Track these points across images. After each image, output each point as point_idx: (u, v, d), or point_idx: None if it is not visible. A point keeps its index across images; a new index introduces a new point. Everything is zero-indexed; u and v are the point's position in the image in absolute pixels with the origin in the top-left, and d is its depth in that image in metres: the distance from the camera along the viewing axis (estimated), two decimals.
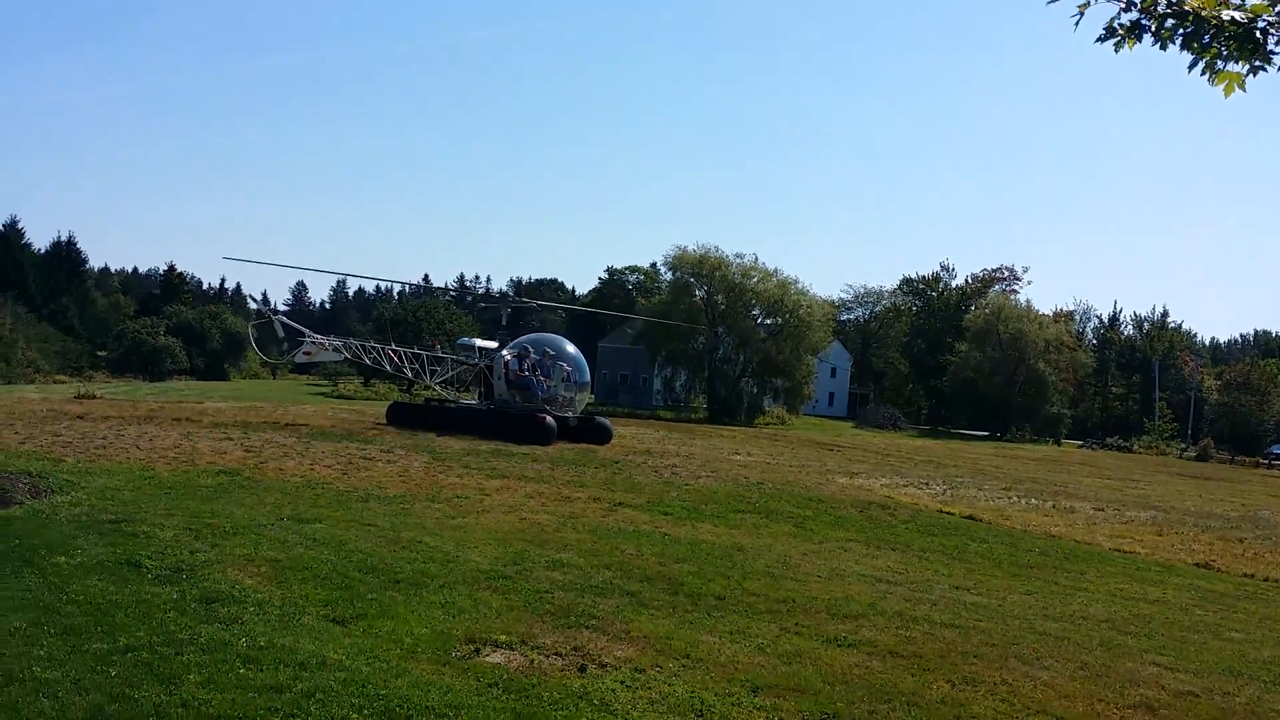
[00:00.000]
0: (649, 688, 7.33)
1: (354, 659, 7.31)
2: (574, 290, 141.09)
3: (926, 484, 28.39)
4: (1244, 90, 4.79)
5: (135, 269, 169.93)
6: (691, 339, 69.82)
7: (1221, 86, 4.78)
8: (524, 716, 6.48)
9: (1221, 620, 12.45)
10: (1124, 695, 8.27)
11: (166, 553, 10.36)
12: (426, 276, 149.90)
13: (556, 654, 8.01)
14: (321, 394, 66.16)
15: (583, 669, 7.66)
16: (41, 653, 6.84)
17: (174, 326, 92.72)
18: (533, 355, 30.31)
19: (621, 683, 7.39)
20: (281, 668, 6.94)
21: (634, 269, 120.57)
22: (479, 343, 32.39)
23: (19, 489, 13.28)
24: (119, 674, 6.54)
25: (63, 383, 62.41)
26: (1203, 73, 4.76)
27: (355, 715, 6.17)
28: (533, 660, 7.79)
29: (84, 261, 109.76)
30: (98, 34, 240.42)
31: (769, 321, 70.11)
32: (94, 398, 36.59)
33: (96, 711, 5.88)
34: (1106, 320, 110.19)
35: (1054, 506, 25.30)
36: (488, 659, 7.72)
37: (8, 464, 14.99)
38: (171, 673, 6.64)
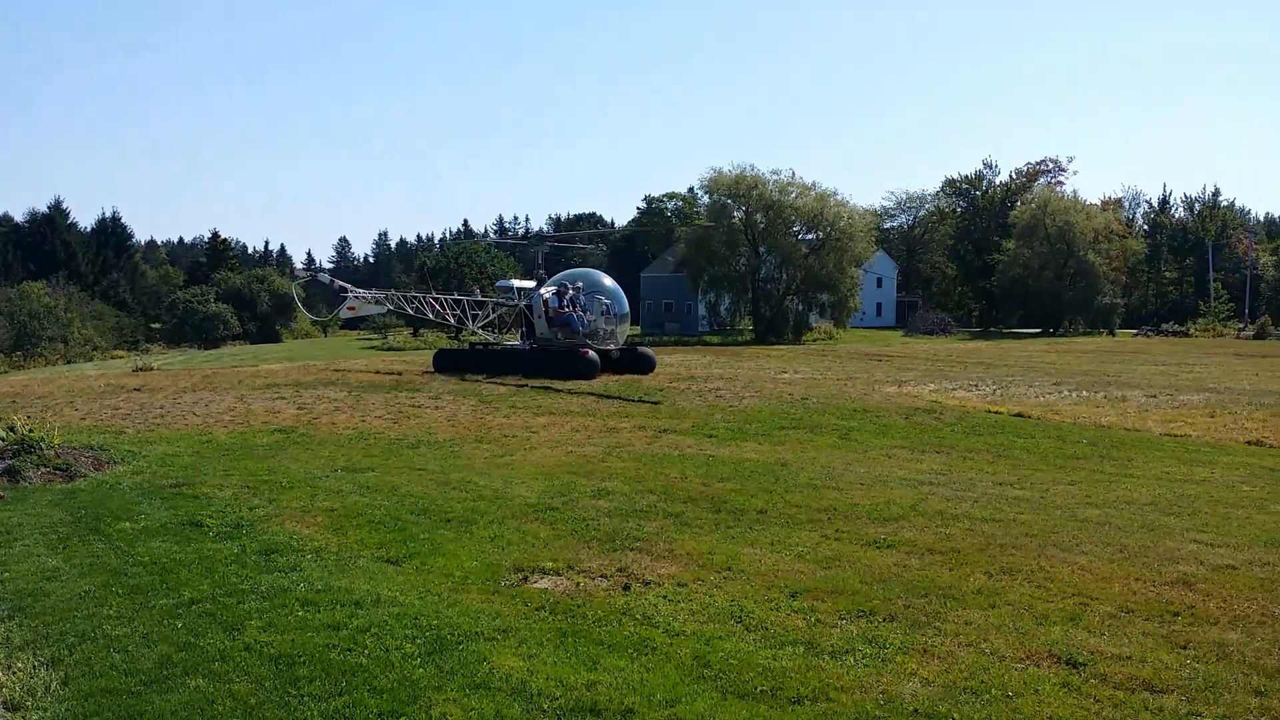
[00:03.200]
0: (690, 600, 7.59)
1: (406, 594, 7.64)
2: (613, 222, 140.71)
3: (976, 386, 28.32)
4: None
5: (180, 239, 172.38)
6: (733, 261, 69.64)
7: None
8: (569, 634, 6.76)
9: (1268, 495, 12.44)
10: (1161, 573, 8.39)
11: (226, 511, 10.76)
12: (466, 221, 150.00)
13: (602, 576, 8.29)
14: (372, 347, 67.02)
15: (627, 588, 7.93)
16: (111, 611, 7.23)
17: (223, 293, 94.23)
18: (570, 291, 30.49)
19: (664, 597, 7.65)
20: (338, 608, 7.28)
21: (672, 195, 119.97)
22: (516, 283, 32.62)
23: (83, 463, 13.76)
24: (185, 625, 6.91)
25: (120, 357, 63.85)
26: None
27: (408, 645, 6.48)
28: (579, 584, 8.07)
29: (130, 236, 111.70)
30: (112, 8, 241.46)
31: (810, 236, 69.67)
32: (151, 369, 37.40)
33: (165, 661, 6.24)
34: (1156, 204, 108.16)
35: (1105, 397, 25.17)
36: (535, 585, 8.02)
37: (71, 440, 15.49)
38: (234, 620, 7.00)
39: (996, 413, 21.36)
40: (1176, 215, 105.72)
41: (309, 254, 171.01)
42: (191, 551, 8.98)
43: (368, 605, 7.34)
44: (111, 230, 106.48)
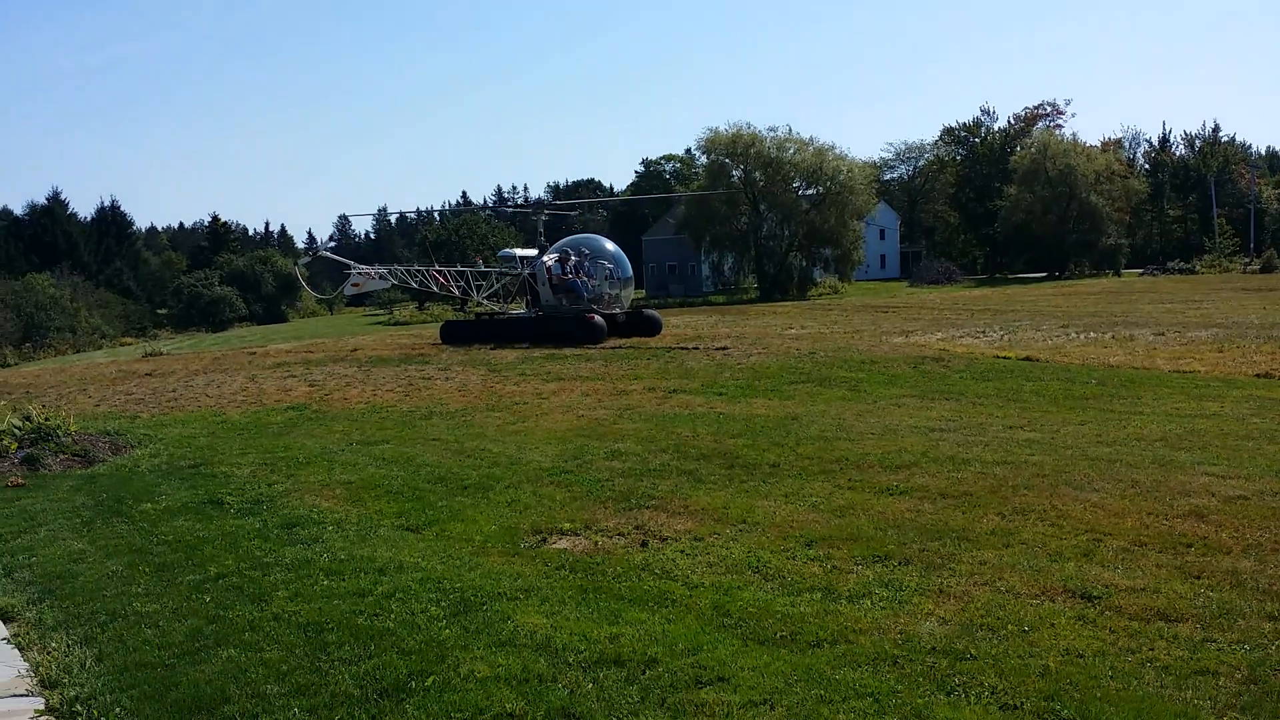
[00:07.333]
0: (708, 553, 7.69)
1: (429, 560, 7.75)
2: (611, 187, 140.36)
3: (983, 332, 28.35)
4: None
5: (181, 224, 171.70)
6: (734, 220, 69.41)
7: None
8: (589, 590, 6.87)
9: (1278, 426, 12.50)
10: (1173, 507, 8.46)
11: (245, 488, 10.89)
12: (465, 193, 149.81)
13: (619, 534, 8.39)
14: (379, 323, 67.19)
15: (644, 544, 8.03)
16: (139, 589, 7.35)
17: (227, 276, 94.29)
18: (573, 257, 30.50)
19: (681, 552, 7.75)
20: (362, 575, 7.39)
21: (670, 158, 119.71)
22: (519, 252, 32.67)
23: (100, 448, 13.90)
24: (213, 599, 7.03)
25: (129, 344, 64.00)
26: None
27: (434, 608, 6.59)
28: (596, 542, 8.18)
29: (130, 224, 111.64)
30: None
31: (810, 192, 69.27)
32: (161, 355, 37.56)
33: (196, 633, 6.36)
34: (1157, 143, 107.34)
35: (1113, 337, 25.19)
36: (554, 546, 8.13)
37: (87, 426, 15.63)
38: (261, 592, 7.13)
39: (1005, 358, 21.40)
40: (1177, 153, 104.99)
41: (309, 233, 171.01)
42: (214, 528, 9.11)
43: (391, 572, 7.46)
44: (112, 219, 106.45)
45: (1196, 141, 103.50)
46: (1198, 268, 76.29)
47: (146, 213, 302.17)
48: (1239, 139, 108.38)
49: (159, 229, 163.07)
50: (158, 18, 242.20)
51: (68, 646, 6.25)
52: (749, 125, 69.23)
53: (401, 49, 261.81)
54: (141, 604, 7.01)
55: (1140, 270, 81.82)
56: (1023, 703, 4.90)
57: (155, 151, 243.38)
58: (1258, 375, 17.58)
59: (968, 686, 5.10)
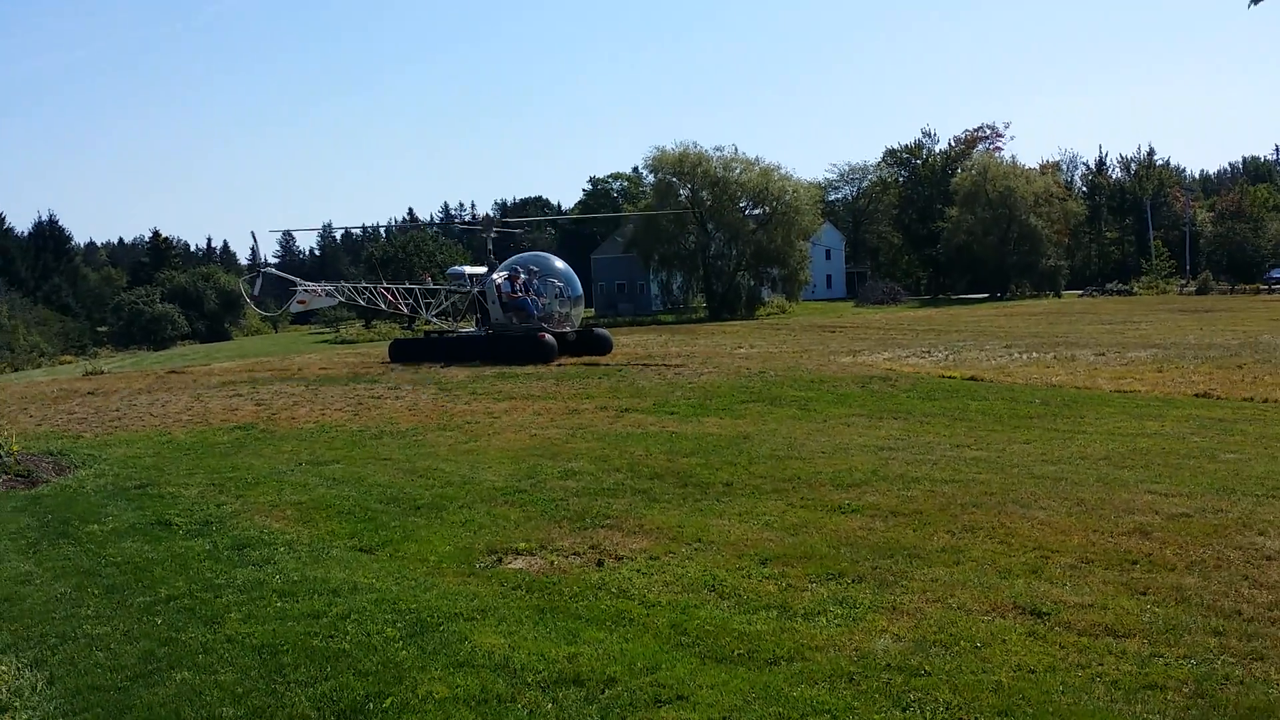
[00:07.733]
0: (664, 572, 7.73)
1: (383, 581, 7.72)
2: (559, 205, 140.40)
3: (929, 352, 28.73)
4: None
5: (120, 240, 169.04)
6: (682, 239, 69.70)
7: None
8: (547, 610, 6.88)
9: (1218, 444, 12.81)
10: (1118, 524, 8.66)
11: (194, 509, 10.75)
12: (411, 210, 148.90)
13: (575, 554, 8.41)
14: (325, 341, 66.50)
15: (600, 564, 8.06)
16: (89, 611, 7.25)
17: (169, 293, 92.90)
18: (523, 275, 30.48)
19: (638, 571, 7.79)
20: (316, 597, 7.34)
21: (617, 176, 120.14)
22: (468, 270, 32.62)
23: (43, 468, 13.64)
24: (164, 621, 6.95)
25: (69, 362, 62.78)
26: None
27: (389, 629, 6.57)
28: (552, 562, 8.19)
29: (69, 239, 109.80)
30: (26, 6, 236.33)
31: (757, 211, 69.83)
32: (102, 373, 36.88)
33: (148, 656, 6.28)
34: (1094, 166, 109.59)
35: (1055, 357, 25.66)
36: (510, 566, 8.12)
37: (30, 446, 15.30)
38: (213, 614, 7.05)
39: (950, 377, 21.72)
40: (1114, 176, 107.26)
41: (253, 249, 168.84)
42: (163, 550, 8.99)
43: (345, 593, 7.42)
44: (50, 234, 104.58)
45: (1132, 165, 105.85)
46: (1135, 289, 77.96)
47: (85, 228, 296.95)
48: (1173, 163, 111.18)
49: (98, 244, 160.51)
50: (96, 28, 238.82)
51: (18, 670, 6.15)
52: (696, 144, 69.83)
53: (345, 66, 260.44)
54: (92, 626, 6.91)
55: (1079, 291, 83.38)
56: (977, 718, 5.00)
57: (95, 165, 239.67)
58: (1196, 395, 17.98)
59: (923, 702, 5.19)
